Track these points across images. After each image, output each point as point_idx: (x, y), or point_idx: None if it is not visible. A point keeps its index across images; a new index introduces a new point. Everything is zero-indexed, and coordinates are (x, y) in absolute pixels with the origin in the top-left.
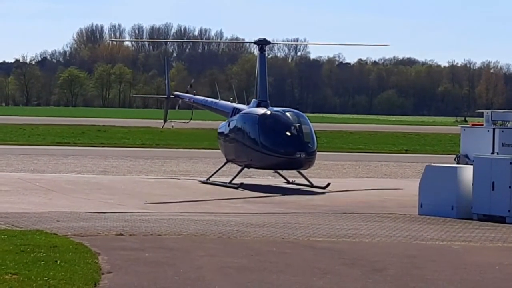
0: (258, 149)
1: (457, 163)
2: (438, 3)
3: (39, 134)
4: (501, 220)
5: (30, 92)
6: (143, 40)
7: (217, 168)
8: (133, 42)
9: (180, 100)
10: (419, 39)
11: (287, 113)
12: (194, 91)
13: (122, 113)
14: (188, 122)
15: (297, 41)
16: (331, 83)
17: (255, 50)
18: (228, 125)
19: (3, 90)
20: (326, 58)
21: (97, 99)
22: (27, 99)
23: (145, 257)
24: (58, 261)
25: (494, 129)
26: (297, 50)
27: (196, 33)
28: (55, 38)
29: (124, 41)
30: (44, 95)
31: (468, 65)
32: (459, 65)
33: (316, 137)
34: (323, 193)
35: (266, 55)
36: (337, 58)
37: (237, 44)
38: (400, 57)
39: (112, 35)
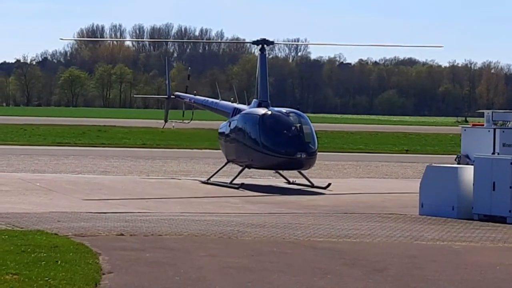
0: (259, 149)
1: (458, 163)
2: (438, 3)
3: (39, 134)
4: (501, 220)
5: (30, 92)
6: (144, 40)
7: (217, 168)
8: (133, 42)
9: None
10: (420, 39)
11: (288, 114)
12: (195, 91)
13: (122, 113)
14: (188, 122)
15: (297, 41)
16: (332, 83)
17: (255, 50)
18: (229, 125)
19: (3, 90)
20: (327, 58)
21: (98, 99)
22: (27, 99)
23: (145, 257)
24: (59, 261)
25: (494, 129)
26: (298, 50)
27: (197, 33)
28: (55, 38)
29: (125, 41)
30: (44, 95)
31: (469, 65)
32: (459, 65)
33: (317, 137)
34: (324, 193)
35: (267, 55)
36: (337, 58)
37: (238, 44)
38: (401, 57)
39: (113, 35)
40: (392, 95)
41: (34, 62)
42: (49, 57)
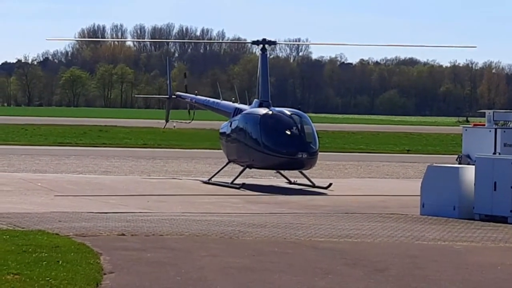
0: (260, 149)
1: (459, 163)
2: (439, 3)
3: (41, 134)
4: (503, 220)
5: (32, 92)
6: (145, 40)
7: (219, 168)
8: (135, 42)
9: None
10: (421, 39)
11: (289, 114)
12: (196, 91)
13: (124, 113)
14: (189, 122)
15: (299, 41)
16: (333, 83)
17: (257, 50)
18: (230, 125)
19: (5, 90)
20: (328, 58)
21: (99, 99)
22: (29, 99)
23: (147, 257)
24: (60, 261)
25: (496, 129)
26: (299, 50)
27: (198, 33)
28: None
29: (126, 41)
30: (46, 95)
31: (470, 65)
32: (461, 65)
33: (318, 137)
34: (325, 193)
35: (268, 55)
36: (339, 58)
37: (239, 45)
38: (402, 57)
39: (114, 35)
40: (393, 95)
41: (35, 62)
42: (50, 57)
